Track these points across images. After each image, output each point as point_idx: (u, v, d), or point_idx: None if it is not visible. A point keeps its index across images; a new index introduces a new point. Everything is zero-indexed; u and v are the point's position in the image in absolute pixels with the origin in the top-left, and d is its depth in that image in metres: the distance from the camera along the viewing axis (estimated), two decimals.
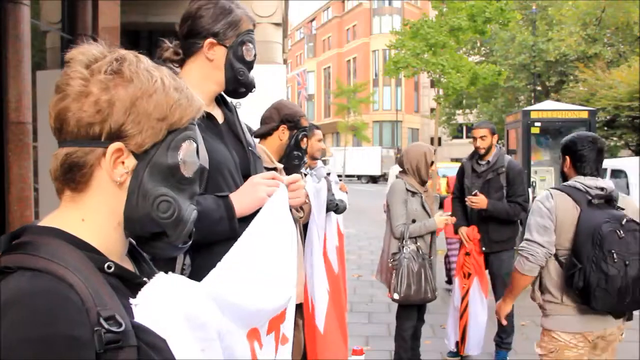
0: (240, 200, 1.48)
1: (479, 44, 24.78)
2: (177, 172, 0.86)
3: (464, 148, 37.58)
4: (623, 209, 2.46)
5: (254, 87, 1.72)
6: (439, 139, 29.02)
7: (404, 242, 3.65)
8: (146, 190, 0.84)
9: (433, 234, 3.80)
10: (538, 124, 6.85)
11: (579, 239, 2.38)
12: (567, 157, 2.58)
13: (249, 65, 1.67)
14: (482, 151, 4.29)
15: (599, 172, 2.53)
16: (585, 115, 6.99)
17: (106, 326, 0.69)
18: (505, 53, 23.28)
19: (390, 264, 3.68)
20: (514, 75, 23.03)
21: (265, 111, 2.62)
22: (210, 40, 1.61)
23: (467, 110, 27.70)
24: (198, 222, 1.41)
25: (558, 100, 19.19)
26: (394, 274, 3.64)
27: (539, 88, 24.52)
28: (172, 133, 0.86)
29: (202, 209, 1.39)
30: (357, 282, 7.10)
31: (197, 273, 1.46)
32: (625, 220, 2.35)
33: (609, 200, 2.45)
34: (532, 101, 22.77)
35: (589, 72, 21.29)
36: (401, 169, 3.90)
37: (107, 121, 0.80)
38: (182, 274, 1.45)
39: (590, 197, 2.43)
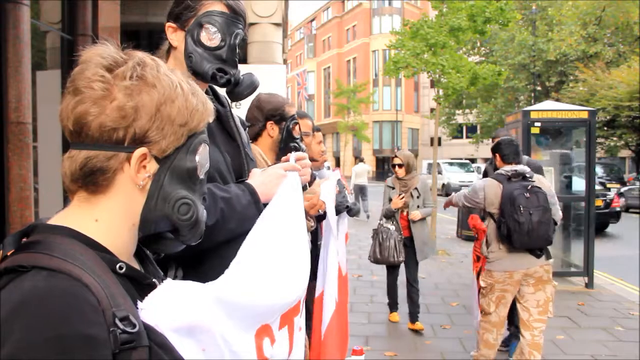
0: (263, 184, 1.42)
1: (479, 44, 24.77)
2: (195, 174, 0.88)
3: (463, 148, 37.62)
4: (534, 181, 3.59)
5: (224, 80, 1.49)
6: (439, 139, 29.00)
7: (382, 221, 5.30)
8: (167, 193, 0.85)
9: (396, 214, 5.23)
10: (538, 124, 6.84)
11: (503, 203, 3.57)
12: (497, 155, 3.81)
13: (214, 53, 1.45)
14: None
15: (517, 161, 3.77)
16: (585, 115, 6.98)
17: (121, 327, 0.69)
18: (504, 53, 23.28)
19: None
20: (513, 75, 23.02)
21: (247, 112, 2.37)
22: (169, 23, 1.48)
23: (467, 110, 27.69)
24: (231, 210, 1.33)
25: (558, 100, 19.22)
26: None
27: (538, 88, 24.52)
28: (191, 137, 0.87)
29: (230, 195, 1.34)
30: (357, 282, 7.10)
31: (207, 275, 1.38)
32: (530, 186, 3.53)
33: (524, 177, 3.60)
34: (532, 101, 22.78)
35: (589, 72, 21.29)
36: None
37: (132, 127, 0.80)
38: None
39: (509, 176, 3.63)
